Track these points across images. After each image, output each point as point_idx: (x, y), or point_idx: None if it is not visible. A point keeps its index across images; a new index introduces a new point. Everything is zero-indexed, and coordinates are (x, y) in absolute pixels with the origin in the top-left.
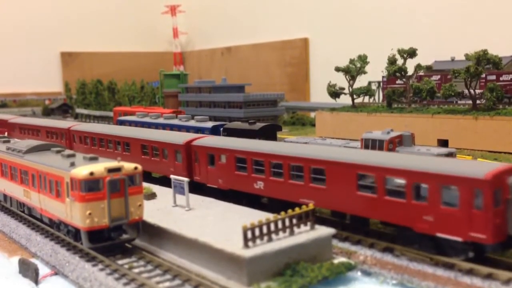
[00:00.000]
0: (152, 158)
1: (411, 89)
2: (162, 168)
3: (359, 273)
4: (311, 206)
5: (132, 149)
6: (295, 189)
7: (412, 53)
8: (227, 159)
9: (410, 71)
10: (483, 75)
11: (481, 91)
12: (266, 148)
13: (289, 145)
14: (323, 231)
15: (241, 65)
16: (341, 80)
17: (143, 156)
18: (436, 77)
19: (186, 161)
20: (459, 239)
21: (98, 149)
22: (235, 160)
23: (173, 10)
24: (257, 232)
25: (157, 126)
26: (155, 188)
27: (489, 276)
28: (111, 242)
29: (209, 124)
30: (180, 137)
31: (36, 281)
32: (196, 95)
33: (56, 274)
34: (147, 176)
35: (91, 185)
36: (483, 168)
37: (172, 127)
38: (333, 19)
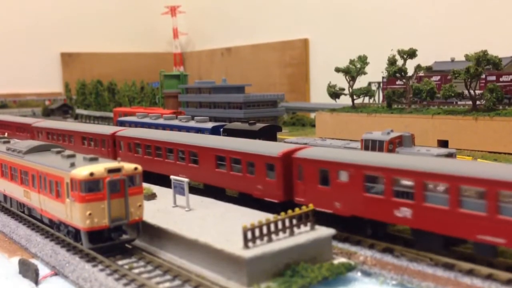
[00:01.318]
0: (231, 173)
1: (411, 89)
2: (245, 185)
3: (359, 274)
4: (311, 206)
5: (202, 160)
6: (468, 221)
7: (412, 53)
8: (351, 177)
9: (410, 71)
10: (483, 76)
11: (481, 91)
12: (418, 164)
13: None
14: (323, 231)
15: (241, 66)
16: (341, 81)
17: (217, 170)
18: (436, 78)
19: (283, 178)
20: None
21: (153, 159)
22: (364, 179)
23: (173, 10)
24: (257, 232)
25: (157, 126)
26: (155, 188)
27: (489, 277)
28: (111, 242)
29: (209, 125)
30: (274, 148)
31: (36, 282)
32: (196, 96)
33: (56, 274)
34: (147, 177)
35: (91, 185)
36: None
37: (172, 128)
38: (333, 20)
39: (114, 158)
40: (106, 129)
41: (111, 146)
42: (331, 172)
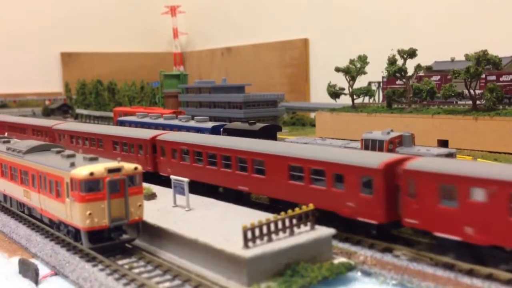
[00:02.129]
0: (311, 186)
1: (411, 89)
2: (329, 201)
3: (359, 274)
4: (311, 206)
5: (270, 170)
6: None
7: (412, 53)
8: (491, 196)
9: (410, 71)
10: (483, 76)
11: (481, 91)
12: None
13: None
14: (323, 231)
15: (241, 66)
16: (341, 81)
17: (290, 182)
18: (436, 78)
19: (384, 193)
20: None
21: (205, 167)
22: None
23: (173, 10)
24: (257, 232)
25: (157, 126)
26: (155, 188)
27: (489, 277)
28: (111, 242)
29: (209, 125)
30: (370, 158)
31: (36, 282)
32: (196, 96)
33: (56, 274)
34: (147, 177)
35: (91, 185)
36: None
37: (172, 128)
38: (333, 20)
39: (154, 165)
40: (144, 133)
41: (150, 152)
42: (460, 189)
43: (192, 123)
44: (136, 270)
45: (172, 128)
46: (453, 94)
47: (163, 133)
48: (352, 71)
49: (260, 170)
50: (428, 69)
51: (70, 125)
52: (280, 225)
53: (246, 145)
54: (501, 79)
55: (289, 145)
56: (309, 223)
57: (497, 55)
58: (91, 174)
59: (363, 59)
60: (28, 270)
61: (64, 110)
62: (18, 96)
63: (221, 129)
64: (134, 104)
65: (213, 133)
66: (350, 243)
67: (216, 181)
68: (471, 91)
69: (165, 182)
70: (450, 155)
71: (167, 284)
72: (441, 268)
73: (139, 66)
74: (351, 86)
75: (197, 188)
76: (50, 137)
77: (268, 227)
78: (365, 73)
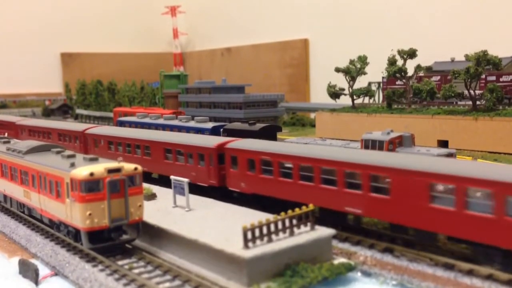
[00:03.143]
0: (467, 212)
1: (411, 89)
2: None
3: (359, 274)
4: (311, 206)
5: (397, 189)
6: None
7: (412, 54)
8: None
9: (410, 72)
10: (483, 76)
11: (481, 92)
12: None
13: None
14: (323, 231)
15: (241, 66)
16: (341, 81)
17: (431, 205)
18: (436, 78)
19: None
20: None
21: (296, 183)
22: None
23: (173, 10)
24: (257, 232)
25: (157, 127)
26: (155, 188)
27: (489, 277)
28: (111, 242)
29: (209, 125)
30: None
31: (36, 282)
32: (196, 96)
33: (56, 274)
34: (147, 177)
35: (91, 185)
36: None
37: (172, 128)
38: (333, 20)
39: (219, 179)
40: (207, 140)
41: (215, 163)
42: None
43: (192, 124)
44: (136, 271)
45: (172, 128)
46: (453, 95)
47: (231, 140)
48: (352, 71)
49: (381, 188)
50: (428, 69)
51: (106, 129)
52: (280, 225)
53: (359, 157)
54: (501, 79)
55: (433, 159)
56: (309, 224)
57: (497, 56)
58: (91, 174)
59: (363, 60)
60: (28, 271)
61: (64, 110)
62: (18, 96)
63: (221, 130)
64: (134, 104)
65: (213, 133)
66: (350, 243)
67: (312, 200)
68: (471, 91)
69: (165, 183)
70: (450, 155)
71: (167, 284)
72: (441, 269)
73: (139, 66)
74: (351, 86)
75: (284, 206)
76: (82, 143)
77: (268, 228)
78: (365, 73)
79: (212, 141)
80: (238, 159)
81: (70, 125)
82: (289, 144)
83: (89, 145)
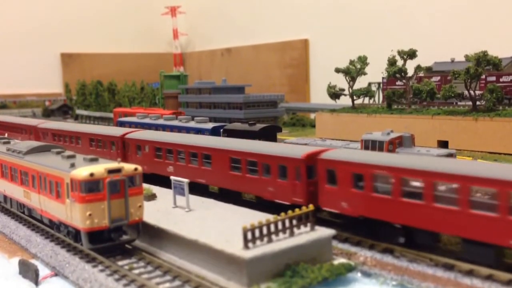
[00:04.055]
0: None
1: (411, 90)
2: None
3: (359, 274)
4: (311, 207)
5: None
6: None
7: (412, 54)
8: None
9: (410, 72)
10: (483, 76)
11: (481, 92)
12: None
13: None
14: (323, 232)
15: (241, 66)
16: (341, 81)
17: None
18: (436, 78)
19: None
20: None
21: (430, 206)
22: None
23: (173, 11)
24: (257, 233)
25: (157, 127)
26: (155, 189)
27: (489, 277)
28: (111, 243)
29: (209, 125)
30: None
31: (36, 282)
32: (196, 96)
33: (56, 275)
34: (147, 177)
35: (91, 186)
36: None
37: (172, 128)
38: (333, 20)
39: (307, 196)
40: (290, 149)
41: (304, 178)
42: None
43: (192, 124)
44: (136, 271)
45: (172, 129)
46: (453, 95)
47: (323, 149)
48: (352, 71)
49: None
50: (428, 70)
51: (151, 134)
52: (280, 226)
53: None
54: (501, 79)
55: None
56: (309, 224)
57: (497, 56)
58: (91, 174)
59: (363, 60)
60: (28, 271)
61: (64, 111)
62: (18, 97)
63: (221, 130)
64: (134, 104)
65: (213, 134)
66: (350, 244)
67: (458, 231)
68: (471, 92)
69: (165, 183)
70: (450, 156)
71: (167, 285)
72: (441, 269)
73: (139, 66)
74: (351, 87)
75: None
76: (119, 150)
77: (268, 228)
78: (365, 73)
79: (298, 150)
80: (338, 173)
81: (104, 129)
82: (416, 157)
83: (129, 152)
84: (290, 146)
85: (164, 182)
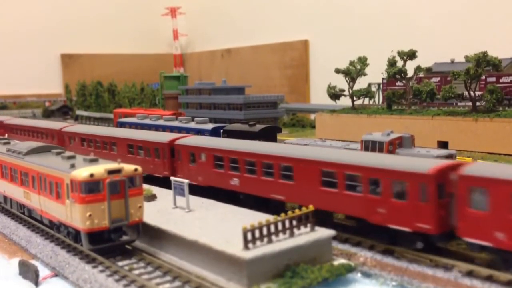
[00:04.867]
0: None
1: (411, 91)
2: None
3: (359, 275)
4: (310, 207)
5: None
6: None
7: (412, 55)
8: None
9: (410, 73)
10: (483, 77)
11: (481, 93)
12: None
13: None
14: (323, 232)
15: (241, 67)
16: (341, 82)
17: None
18: (436, 79)
19: None
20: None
21: None
22: None
23: (173, 12)
24: (257, 233)
25: (157, 128)
26: (155, 189)
27: (489, 278)
28: (111, 243)
29: (209, 126)
30: None
31: (36, 283)
32: (196, 97)
33: (56, 275)
34: (147, 178)
35: (91, 186)
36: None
37: (172, 129)
38: (333, 21)
39: (439, 222)
40: (413, 162)
41: (433, 197)
42: None
43: (192, 125)
44: (136, 272)
45: (172, 129)
46: (453, 96)
47: (462, 163)
48: (352, 72)
49: None
50: (428, 70)
51: (209, 140)
52: (280, 226)
53: None
54: (501, 80)
55: None
56: (309, 225)
57: (497, 57)
58: (91, 175)
59: (363, 61)
60: (28, 272)
61: (64, 111)
62: (18, 97)
63: (221, 131)
64: (134, 105)
65: (213, 134)
66: (350, 244)
67: None
68: (471, 92)
69: (165, 183)
70: (450, 157)
71: (167, 285)
72: (441, 270)
73: (139, 67)
74: (351, 87)
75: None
76: (165, 158)
77: (268, 229)
78: (365, 74)
79: (423, 163)
80: (491, 194)
81: (147, 133)
82: None
83: (179, 161)
84: (409, 158)
85: (228, 196)
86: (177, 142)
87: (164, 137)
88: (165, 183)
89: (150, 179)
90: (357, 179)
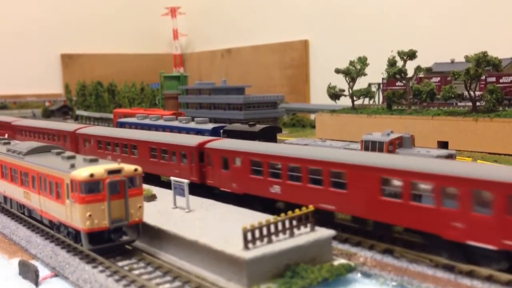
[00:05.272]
0: None
1: (411, 91)
2: None
3: (359, 275)
4: (310, 207)
5: None
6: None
7: (412, 55)
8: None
9: (410, 73)
10: (483, 77)
11: (481, 93)
12: None
13: None
14: (323, 232)
15: (241, 67)
16: (341, 82)
17: None
18: (436, 79)
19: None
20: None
21: None
22: None
23: (173, 12)
24: (257, 233)
25: (157, 128)
26: (155, 190)
27: (489, 278)
28: (111, 243)
29: (209, 126)
30: None
31: (36, 283)
32: (196, 97)
33: (56, 275)
34: (147, 178)
35: (91, 186)
36: None
37: (172, 129)
38: (333, 21)
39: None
40: (486, 171)
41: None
42: None
43: (192, 125)
44: (136, 272)
45: (172, 129)
46: (453, 96)
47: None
48: (352, 72)
49: None
50: (428, 70)
51: (243, 144)
52: (280, 226)
53: None
54: (501, 80)
55: None
56: (309, 225)
57: (497, 57)
58: (91, 175)
59: (363, 61)
60: (28, 272)
61: (64, 111)
62: (18, 97)
63: (221, 131)
64: (134, 105)
65: (213, 134)
66: (350, 244)
67: None
68: (471, 92)
69: (165, 184)
70: (450, 156)
71: (167, 285)
72: (441, 270)
73: (139, 67)
74: (351, 87)
75: None
76: (194, 163)
77: (268, 229)
78: (365, 74)
79: (498, 173)
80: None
81: (172, 136)
82: None
83: (210, 166)
84: (492, 165)
85: (264, 205)
86: (207, 145)
87: (191, 139)
88: (192, 191)
89: (150, 179)
90: (428, 190)
